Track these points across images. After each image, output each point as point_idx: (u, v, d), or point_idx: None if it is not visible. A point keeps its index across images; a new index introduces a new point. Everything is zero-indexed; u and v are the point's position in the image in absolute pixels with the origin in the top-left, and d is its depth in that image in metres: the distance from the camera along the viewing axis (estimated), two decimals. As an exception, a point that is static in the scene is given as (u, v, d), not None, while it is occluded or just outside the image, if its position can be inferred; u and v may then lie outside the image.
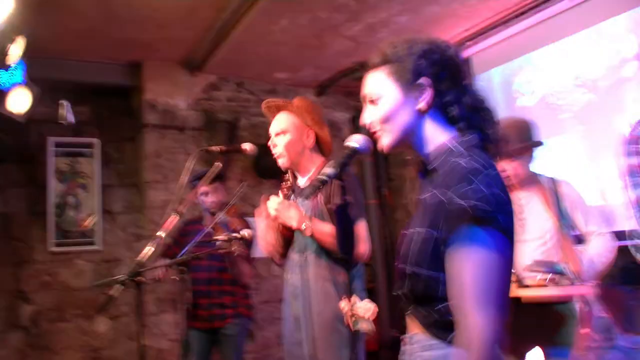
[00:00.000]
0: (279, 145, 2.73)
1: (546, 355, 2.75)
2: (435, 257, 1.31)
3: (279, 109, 2.82)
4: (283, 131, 2.73)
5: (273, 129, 2.78)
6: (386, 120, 1.45)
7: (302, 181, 2.80)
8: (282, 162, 2.76)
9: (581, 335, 2.79)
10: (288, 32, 4.48)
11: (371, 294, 2.54)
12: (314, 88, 5.87)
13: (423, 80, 1.42)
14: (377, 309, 1.94)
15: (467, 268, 1.24)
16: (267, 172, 5.25)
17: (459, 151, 1.37)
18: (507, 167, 2.82)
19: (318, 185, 1.61)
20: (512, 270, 2.61)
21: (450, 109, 1.44)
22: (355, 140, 1.62)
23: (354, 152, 1.63)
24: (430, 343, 1.36)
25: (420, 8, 4.20)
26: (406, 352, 1.45)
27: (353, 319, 1.91)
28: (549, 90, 4.39)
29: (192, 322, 3.64)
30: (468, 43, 4.75)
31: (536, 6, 4.19)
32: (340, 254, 1.87)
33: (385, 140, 1.48)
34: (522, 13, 4.29)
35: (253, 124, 5.44)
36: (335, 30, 4.49)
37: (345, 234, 1.72)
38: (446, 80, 1.43)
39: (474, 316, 1.21)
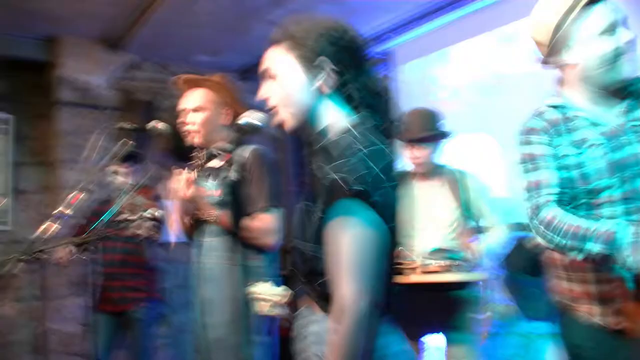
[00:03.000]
0: (194, 122, 2.65)
1: (445, 339, 2.85)
2: (316, 232, 1.32)
3: (196, 84, 2.73)
4: (200, 108, 2.66)
5: (188, 104, 2.70)
6: (284, 97, 1.46)
7: (215, 161, 2.71)
8: (195, 139, 2.68)
9: (482, 320, 2.91)
10: (211, 14, 4.42)
11: (290, 280, 2.54)
12: (237, 73, 5.81)
13: (323, 60, 1.42)
14: (289, 294, 1.95)
15: (339, 241, 1.25)
16: (186, 155, 5.17)
17: (347, 129, 1.39)
18: (415, 155, 2.90)
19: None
20: (414, 257, 2.73)
21: (348, 90, 1.44)
22: (252, 117, 1.63)
23: (251, 128, 1.64)
24: (315, 317, 1.38)
25: (344, -3, 4.23)
26: (296, 327, 1.46)
27: (263, 303, 1.91)
28: (463, 85, 4.53)
29: (101, 304, 3.55)
30: (390, 35, 4.82)
31: (456, 2, 4.30)
32: (233, 229, 1.87)
33: (282, 118, 1.48)
34: (442, 8, 4.39)
35: (173, 106, 5.30)
36: (258, 14, 4.46)
37: (237, 207, 1.73)
38: (346, 63, 1.44)
39: (344, 288, 1.21)
